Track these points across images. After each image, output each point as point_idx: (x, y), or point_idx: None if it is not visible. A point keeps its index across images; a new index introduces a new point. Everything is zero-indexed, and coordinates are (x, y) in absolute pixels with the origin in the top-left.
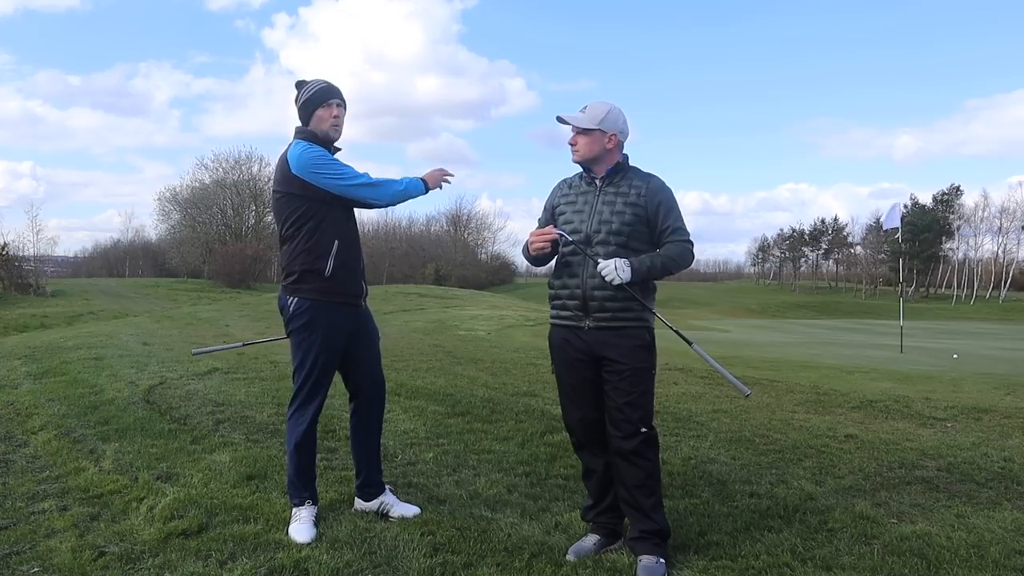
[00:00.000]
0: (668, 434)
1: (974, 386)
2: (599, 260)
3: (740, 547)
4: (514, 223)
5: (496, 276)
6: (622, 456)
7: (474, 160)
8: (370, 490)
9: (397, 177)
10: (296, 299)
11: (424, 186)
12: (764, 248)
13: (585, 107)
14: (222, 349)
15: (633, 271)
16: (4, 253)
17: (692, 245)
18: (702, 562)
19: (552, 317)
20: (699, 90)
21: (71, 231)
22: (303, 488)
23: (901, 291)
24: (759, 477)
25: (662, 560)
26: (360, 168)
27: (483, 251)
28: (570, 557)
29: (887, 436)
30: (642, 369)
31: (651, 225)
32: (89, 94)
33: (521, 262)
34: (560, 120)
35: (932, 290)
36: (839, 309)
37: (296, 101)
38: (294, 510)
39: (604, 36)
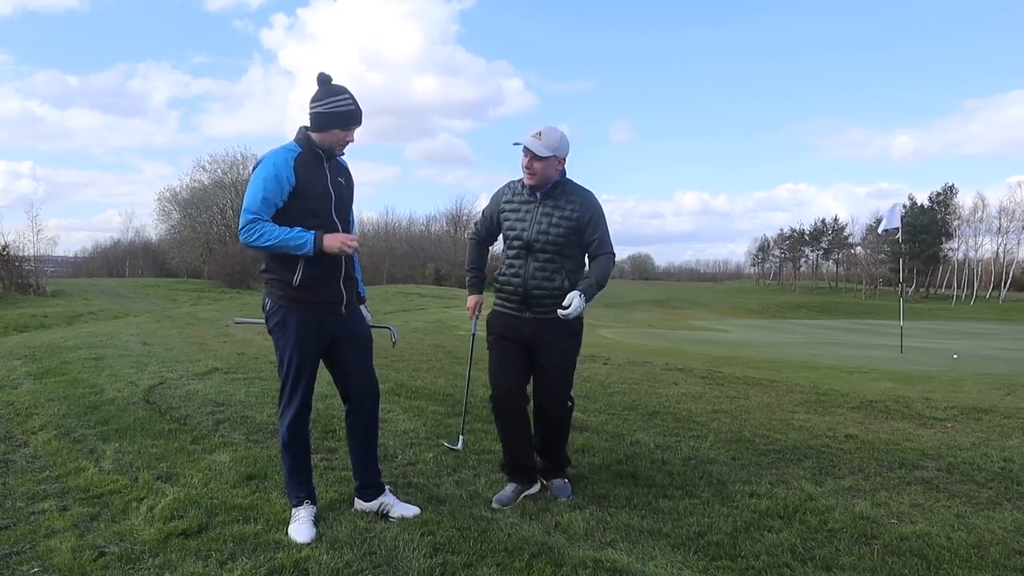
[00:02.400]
0: (668, 434)
1: (974, 386)
2: (567, 300)
3: (740, 547)
4: None
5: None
6: (550, 422)
7: (473, 160)
8: (369, 491)
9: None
10: (270, 301)
11: (313, 245)
12: (764, 248)
13: (539, 132)
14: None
15: (587, 302)
16: (4, 253)
17: (614, 256)
18: (702, 562)
19: (496, 304)
20: (697, 90)
21: (71, 231)
22: (298, 488)
23: (901, 291)
24: (759, 477)
25: (567, 480)
26: (359, 168)
27: None
28: (495, 505)
29: (887, 436)
30: (571, 350)
31: (581, 235)
32: (88, 94)
33: None
34: (518, 144)
35: (932, 290)
36: (839, 309)
37: (315, 102)
38: (293, 510)
39: (602, 36)
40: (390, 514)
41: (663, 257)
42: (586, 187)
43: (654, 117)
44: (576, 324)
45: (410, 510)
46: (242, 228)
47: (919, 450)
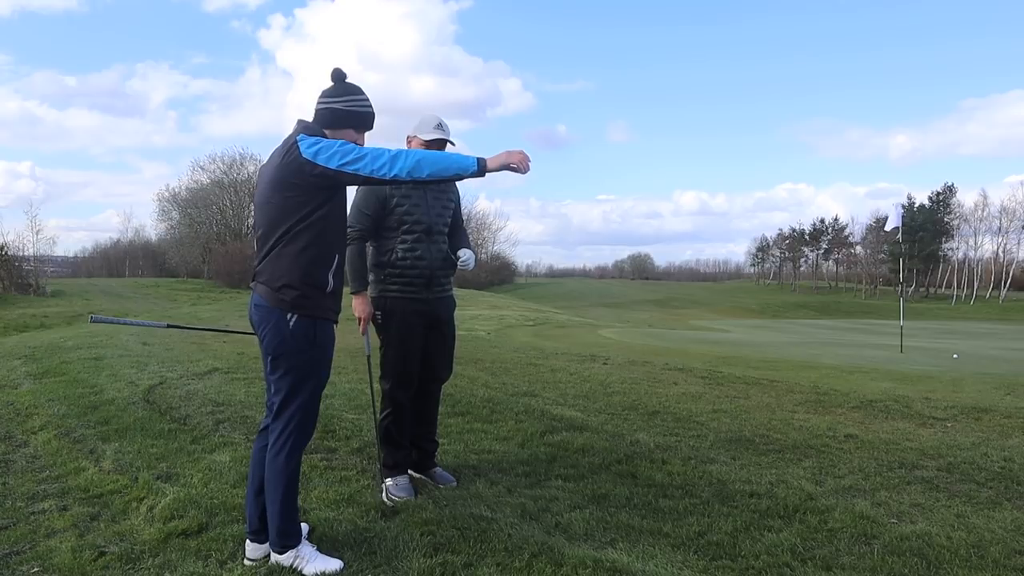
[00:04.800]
0: (668, 434)
1: (974, 386)
2: (460, 253)
3: (740, 547)
4: (514, 223)
5: (496, 276)
6: (433, 398)
7: None
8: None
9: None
10: (295, 315)
11: (479, 166)
12: (763, 248)
13: (440, 124)
14: (128, 323)
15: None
16: (4, 253)
17: None
18: (702, 562)
19: (392, 291)
20: (695, 90)
21: (70, 231)
22: (296, 522)
23: (901, 291)
24: (759, 477)
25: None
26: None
27: (483, 251)
28: (402, 497)
29: (887, 436)
30: (456, 325)
31: (455, 214)
32: (86, 95)
33: (521, 262)
34: (450, 142)
35: (932, 290)
36: (839, 309)
37: (331, 97)
38: (294, 552)
39: (600, 36)
40: (303, 571)
41: (663, 257)
42: None
43: (652, 117)
44: (455, 300)
45: (330, 564)
46: (394, 159)
47: (919, 450)
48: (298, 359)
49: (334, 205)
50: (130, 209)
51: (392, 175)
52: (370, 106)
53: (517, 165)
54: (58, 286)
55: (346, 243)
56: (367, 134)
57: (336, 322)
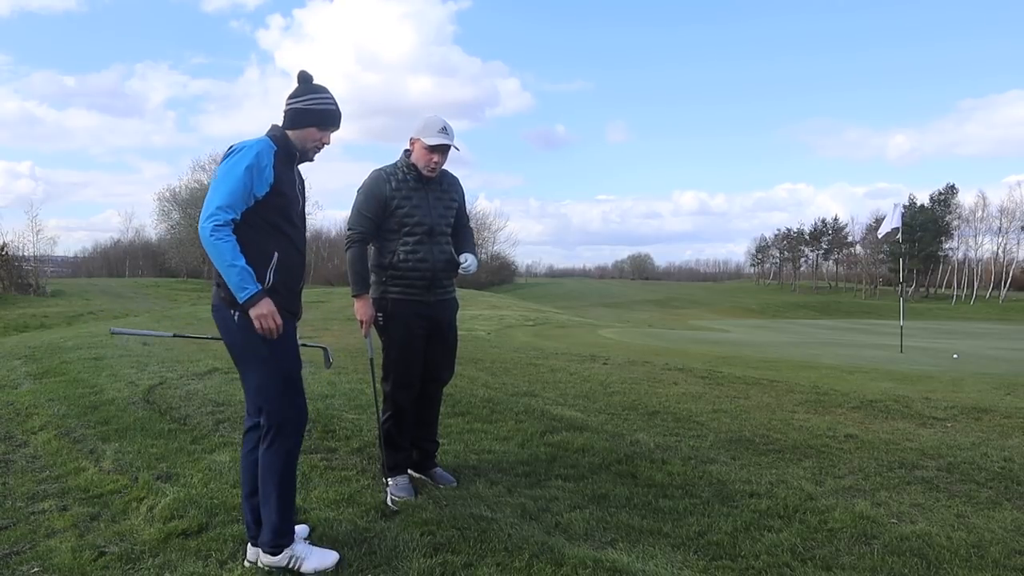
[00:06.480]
0: (668, 434)
1: (974, 386)
2: (462, 257)
3: (740, 547)
4: (513, 223)
5: (496, 276)
6: (434, 395)
7: (470, 160)
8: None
9: None
10: (239, 314)
11: (248, 298)
12: (763, 248)
13: (445, 127)
14: (145, 334)
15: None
16: (4, 253)
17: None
18: (702, 562)
19: (393, 292)
20: (693, 90)
21: (70, 231)
22: (292, 521)
23: (901, 291)
24: (759, 477)
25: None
26: (356, 169)
27: (483, 251)
28: (402, 497)
29: (887, 436)
30: (457, 326)
31: (459, 215)
32: (86, 95)
33: (521, 262)
34: (454, 147)
35: (932, 290)
36: (839, 309)
37: (294, 98)
38: (291, 550)
39: (599, 36)
40: (302, 569)
41: (663, 257)
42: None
43: (651, 117)
44: (458, 302)
45: (326, 558)
46: (214, 223)
47: (919, 450)
48: (250, 354)
49: (259, 204)
50: (130, 209)
51: (206, 223)
52: (332, 103)
53: (264, 325)
54: (58, 286)
55: (286, 240)
56: (335, 133)
57: (296, 316)
